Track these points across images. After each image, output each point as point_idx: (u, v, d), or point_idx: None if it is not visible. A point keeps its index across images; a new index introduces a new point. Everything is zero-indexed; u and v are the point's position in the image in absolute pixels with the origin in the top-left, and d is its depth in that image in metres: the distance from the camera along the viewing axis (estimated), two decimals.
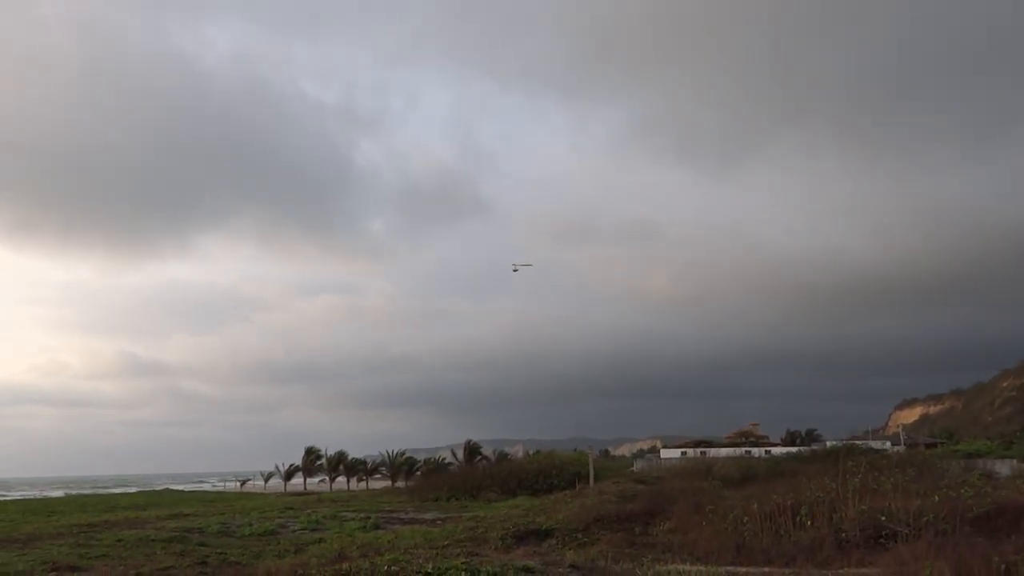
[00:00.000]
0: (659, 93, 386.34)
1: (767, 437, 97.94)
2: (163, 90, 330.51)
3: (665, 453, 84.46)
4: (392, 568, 9.80)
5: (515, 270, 46.91)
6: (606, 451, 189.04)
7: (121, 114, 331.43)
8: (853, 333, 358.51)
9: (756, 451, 72.53)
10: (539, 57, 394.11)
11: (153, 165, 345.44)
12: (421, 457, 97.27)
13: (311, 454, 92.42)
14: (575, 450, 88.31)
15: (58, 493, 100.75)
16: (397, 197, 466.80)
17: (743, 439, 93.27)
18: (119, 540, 25.48)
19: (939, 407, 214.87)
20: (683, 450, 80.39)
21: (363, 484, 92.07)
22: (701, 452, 72.63)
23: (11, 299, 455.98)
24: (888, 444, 74.06)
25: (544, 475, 54.08)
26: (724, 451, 71.86)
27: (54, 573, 18.11)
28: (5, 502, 67.86)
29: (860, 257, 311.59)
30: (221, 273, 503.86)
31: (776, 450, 74.09)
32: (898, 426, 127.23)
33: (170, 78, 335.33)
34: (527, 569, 10.11)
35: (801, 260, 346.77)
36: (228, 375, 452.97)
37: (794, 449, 72.87)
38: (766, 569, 13.55)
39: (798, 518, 17.43)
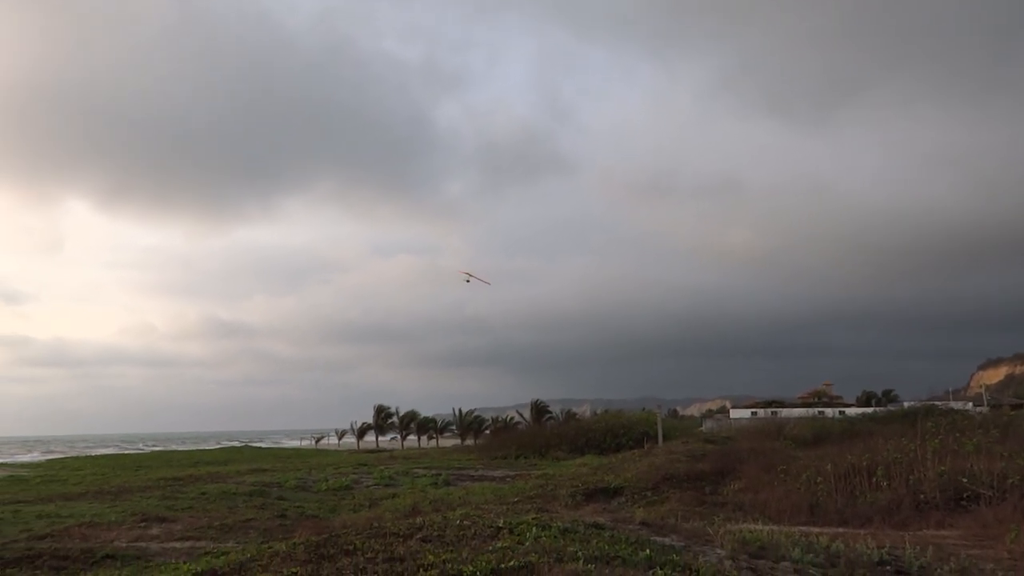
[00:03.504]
0: (748, 43, 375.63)
1: (841, 397, 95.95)
2: (248, 52, 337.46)
3: (735, 413, 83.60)
4: (464, 522, 10.01)
5: (467, 281, 46.39)
6: (674, 411, 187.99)
7: (208, 77, 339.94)
8: (935, 290, 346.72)
9: (829, 412, 71.08)
10: (624, 9, 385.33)
11: (239, 128, 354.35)
12: (489, 416, 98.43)
13: (381, 412, 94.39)
14: (643, 409, 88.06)
15: (144, 449, 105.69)
16: (476, 157, 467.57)
17: (816, 399, 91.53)
18: (203, 493, 26.64)
19: None
20: (753, 410, 79.43)
21: (433, 442, 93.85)
22: (772, 412, 71.52)
23: (101, 263, 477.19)
24: (970, 405, 71.64)
25: (612, 434, 54.17)
26: (796, 411, 70.51)
27: (144, 523, 19.08)
28: (97, 457, 71.52)
29: (956, 211, 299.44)
30: (301, 235, 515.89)
31: (850, 411, 72.50)
32: (981, 386, 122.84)
33: (255, 39, 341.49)
34: (597, 525, 10.21)
35: (888, 214, 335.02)
36: (306, 335, 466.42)
37: (869, 410, 71.16)
38: (841, 529, 13.37)
39: (874, 479, 17.08)
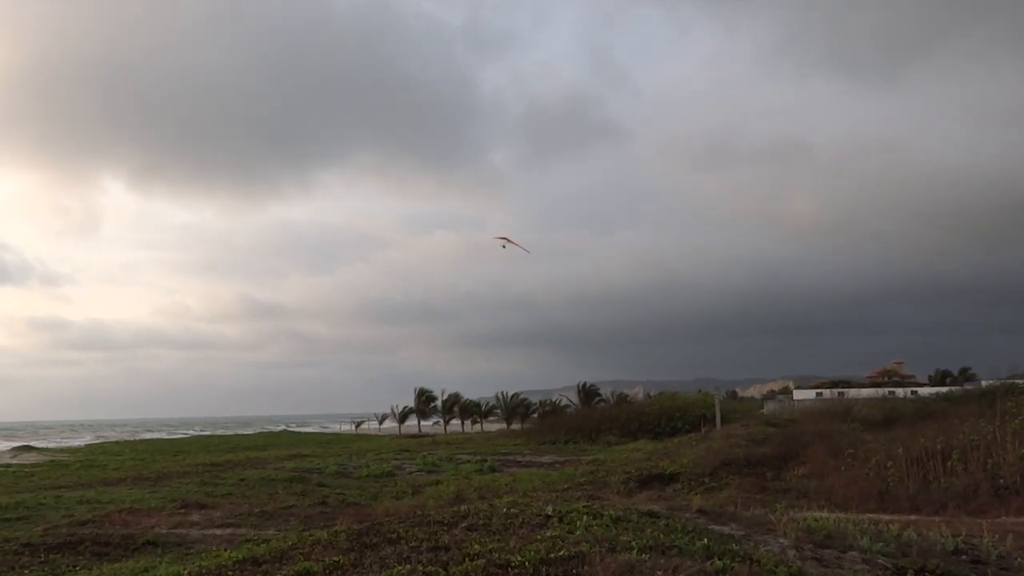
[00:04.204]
0: None
1: (913, 376, 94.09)
2: (281, 18, 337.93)
3: (798, 394, 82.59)
4: (511, 510, 10.10)
5: (503, 247, 46.78)
6: (734, 392, 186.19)
7: (241, 47, 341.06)
8: (1017, 259, 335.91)
9: (900, 392, 69.84)
10: None
11: (274, 99, 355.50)
12: (536, 399, 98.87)
13: (423, 395, 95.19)
14: (700, 391, 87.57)
15: (182, 433, 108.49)
16: (522, 124, 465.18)
17: (886, 379, 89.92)
18: (242, 480, 27.31)
19: None
20: (818, 391, 78.46)
21: (477, 426, 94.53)
22: (839, 393, 70.60)
23: (136, 242, 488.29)
24: None
25: (667, 417, 54.01)
26: (864, 392, 69.48)
27: (184, 510, 19.65)
28: (135, 442, 73.61)
29: None
30: (338, 211, 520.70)
31: (923, 390, 71.12)
32: None
33: (288, 4, 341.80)
34: (652, 514, 10.21)
35: (965, 178, 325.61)
36: (344, 316, 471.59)
37: (944, 389, 69.73)
38: (913, 517, 13.18)
39: (949, 463, 16.79)
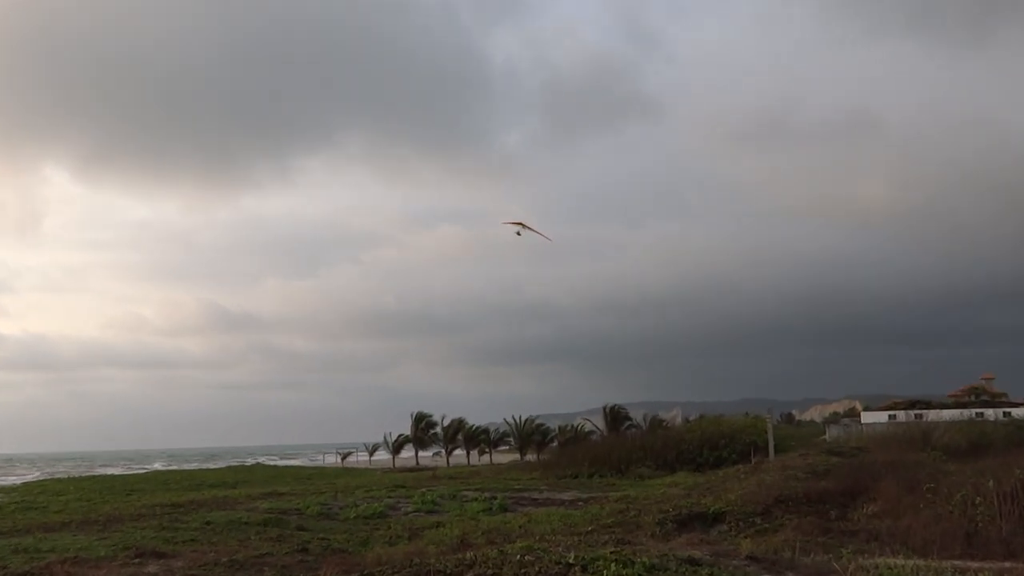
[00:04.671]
0: None
1: (1006, 395, 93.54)
2: None
3: (867, 417, 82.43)
4: (526, 558, 10.08)
5: (518, 233, 47.68)
6: (789, 415, 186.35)
7: (210, 14, 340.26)
8: None
9: (990, 413, 69.55)
10: None
11: (248, 73, 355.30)
12: (555, 424, 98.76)
13: (421, 421, 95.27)
14: (749, 414, 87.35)
15: (140, 468, 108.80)
16: (539, 99, 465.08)
17: (973, 397, 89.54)
18: (207, 523, 27.34)
19: None
20: (891, 413, 78.26)
21: (486, 457, 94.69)
22: (916, 415, 70.36)
23: (82, 242, 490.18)
24: None
25: (710, 446, 53.93)
26: (947, 413, 69.26)
27: (138, 559, 19.67)
28: (81, 479, 73.88)
29: None
30: (323, 203, 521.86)
31: (1018, 411, 70.84)
32: None
33: None
34: (692, 561, 10.18)
35: None
36: (329, 328, 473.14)
37: None
38: (1007, 564, 13.09)
39: None
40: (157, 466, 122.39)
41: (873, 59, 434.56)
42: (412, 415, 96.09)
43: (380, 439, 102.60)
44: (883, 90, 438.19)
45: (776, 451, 45.04)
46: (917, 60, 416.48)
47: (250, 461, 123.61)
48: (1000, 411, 71.68)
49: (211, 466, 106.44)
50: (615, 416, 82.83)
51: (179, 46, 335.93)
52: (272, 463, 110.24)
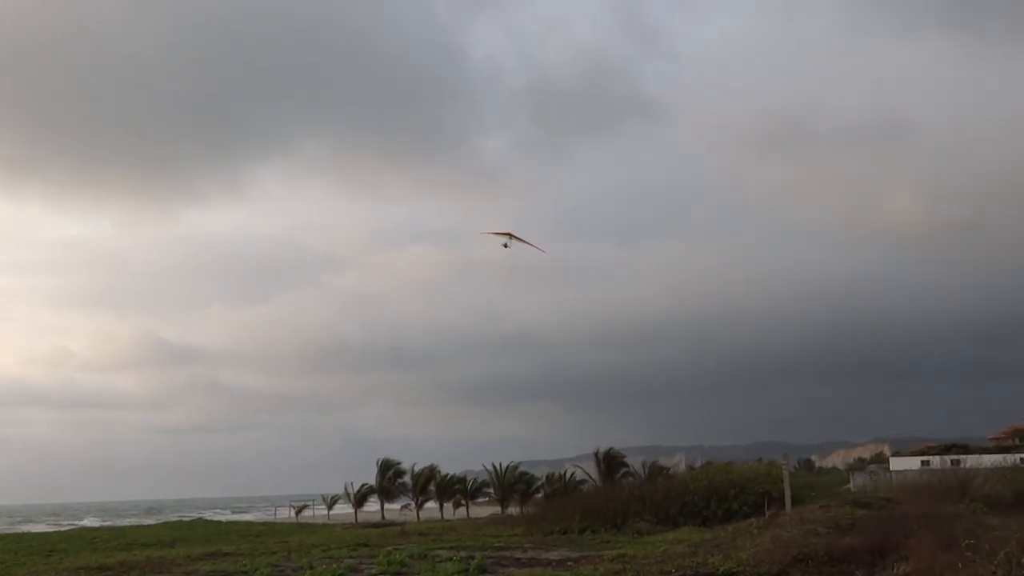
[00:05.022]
0: None
1: None
2: None
3: (897, 463, 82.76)
4: None
5: (505, 245, 48.74)
6: (808, 462, 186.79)
7: (148, 3, 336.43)
8: None
9: None
10: None
11: (193, 70, 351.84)
12: (542, 472, 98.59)
13: (388, 469, 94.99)
14: (763, 460, 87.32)
15: (69, 524, 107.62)
16: (524, 102, 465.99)
17: (1017, 441, 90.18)
18: None
19: None
20: (924, 459, 78.57)
21: (462, 510, 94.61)
22: (952, 461, 70.51)
23: (1, 265, 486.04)
24: None
25: (718, 497, 53.75)
26: (987, 459, 69.49)
27: None
28: None
29: None
30: (278, 219, 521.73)
31: None
32: None
33: None
34: None
35: None
36: (284, 362, 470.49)
37: None
38: None
39: None
40: (86, 522, 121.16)
41: (903, 57, 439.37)
42: (378, 462, 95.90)
43: (341, 489, 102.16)
44: (914, 91, 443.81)
45: (794, 502, 44.92)
46: (950, 60, 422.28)
47: (191, 516, 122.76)
48: None
49: (148, 522, 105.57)
50: (610, 463, 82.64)
51: (113, 39, 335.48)
52: (217, 518, 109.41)
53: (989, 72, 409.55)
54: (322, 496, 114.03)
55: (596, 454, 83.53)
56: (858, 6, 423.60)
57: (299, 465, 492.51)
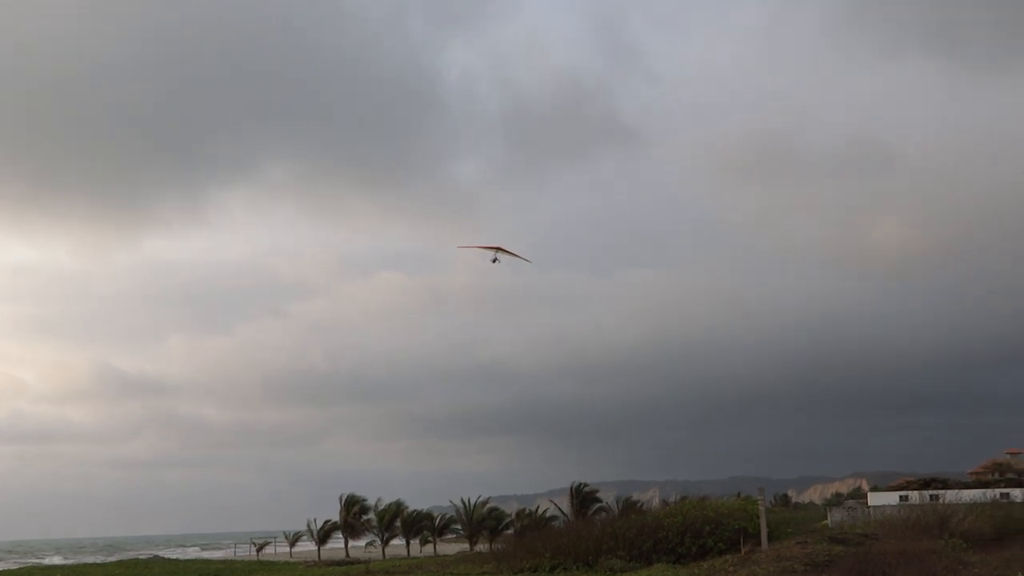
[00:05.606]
0: None
1: None
2: None
3: (875, 498, 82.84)
4: None
5: (494, 260, 49.66)
6: (785, 497, 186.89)
7: (113, 21, 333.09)
8: None
9: (1018, 493, 70.07)
10: None
11: (152, 90, 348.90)
12: (512, 508, 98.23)
13: (353, 505, 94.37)
14: (739, 495, 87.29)
15: (15, 562, 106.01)
16: (499, 125, 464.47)
17: (997, 475, 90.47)
18: None
19: None
20: (903, 493, 78.76)
21: (429, 547, 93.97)
22: (931, 496, 70.72)
23: None
24: None
25: (692, 533, 53.52)
26: (967, 494, 69.63)
27: None
28: None
29: None
30: (241, 245, 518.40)
31: None
32: None
33: None
34: None
35: None
36: (245, 393, 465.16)
37: None
38: None
39: None
40: (35, 560, 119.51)
41: (887, 82, 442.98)
42: (342, 498, 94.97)
43: (303, 526, 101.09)
44: (898, 117, 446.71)
45: (770, 539, 44.84)
46: (934, 85, 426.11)
47: (147, 554, 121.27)
48: None
49: (100, 559, 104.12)
50: (583, 498, 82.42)
51: (68, 53, 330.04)
52: (174, 556, 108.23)
53: (974, 98, 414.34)
54: (284, 533, 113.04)
55: (570, 489, 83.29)
56: (842, 31, 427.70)
57: (261, 500, 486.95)
